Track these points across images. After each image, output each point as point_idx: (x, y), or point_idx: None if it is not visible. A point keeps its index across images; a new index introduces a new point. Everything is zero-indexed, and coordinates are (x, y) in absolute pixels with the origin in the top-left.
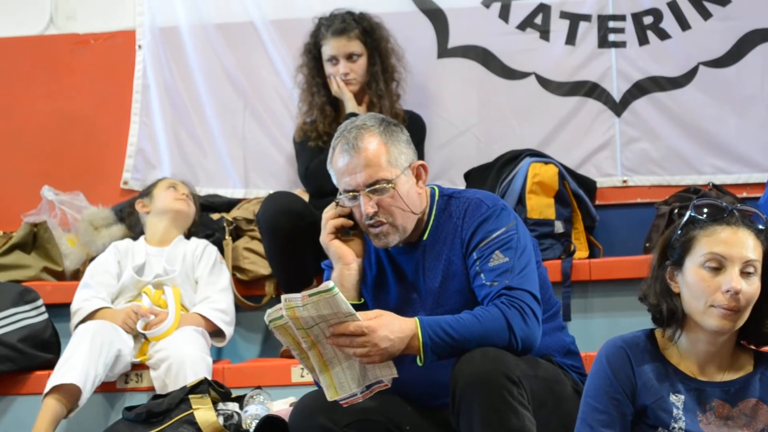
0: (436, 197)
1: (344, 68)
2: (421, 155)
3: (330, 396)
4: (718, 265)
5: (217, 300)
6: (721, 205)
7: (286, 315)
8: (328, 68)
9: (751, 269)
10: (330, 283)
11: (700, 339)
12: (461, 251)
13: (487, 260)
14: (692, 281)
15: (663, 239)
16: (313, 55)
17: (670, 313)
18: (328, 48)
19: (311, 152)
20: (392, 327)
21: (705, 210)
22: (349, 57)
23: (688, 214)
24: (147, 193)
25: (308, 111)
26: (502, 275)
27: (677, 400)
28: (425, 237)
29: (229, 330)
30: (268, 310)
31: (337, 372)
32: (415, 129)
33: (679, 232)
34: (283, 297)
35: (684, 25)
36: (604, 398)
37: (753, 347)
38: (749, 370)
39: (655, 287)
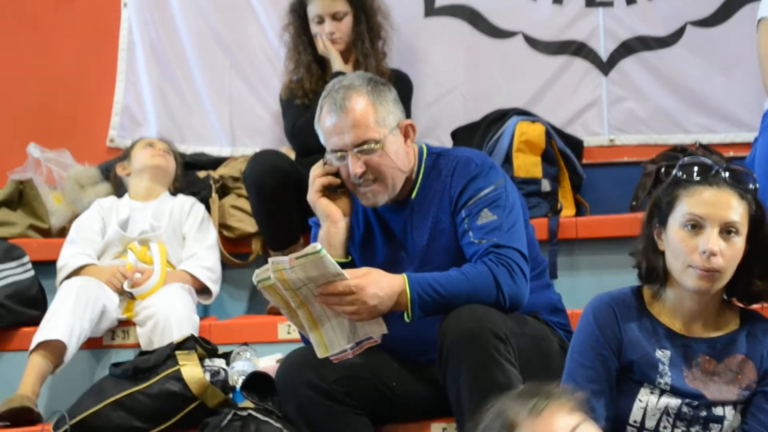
0: (425, 155)
1: (330, 27)
2: (407, 114)
3: (320, 354)
4: (697, 226)
5: (204, 257)
6: (707, 163)
7: (273, 277)
8: (314, 27)
9: (732, 230)
10: (317, 245)
11: (685, 296)
12: (449, 209)
13: (475, 218)
14: (673, 241)
15: (653, 198)
16: (298, 14)
17: (650, 271)
18: (314, 7)
19: (297, 110)
20: (381, 284)
21: (690, 169)
22: (335, 16)
23: (673, 173)
24: (126, 155)
25: (294, 69)
26: (491, 233)
27: (663, 355)
28: (413, 195)
29: (215, 288)
30: (257, 271)
31: (326, 329)
32: (402, 88)
33: (666, 190)
34: (270, 260)
35: None
36: (590, 354)
37: (741, 305)
38: (735, 326)
39: (642, 244)
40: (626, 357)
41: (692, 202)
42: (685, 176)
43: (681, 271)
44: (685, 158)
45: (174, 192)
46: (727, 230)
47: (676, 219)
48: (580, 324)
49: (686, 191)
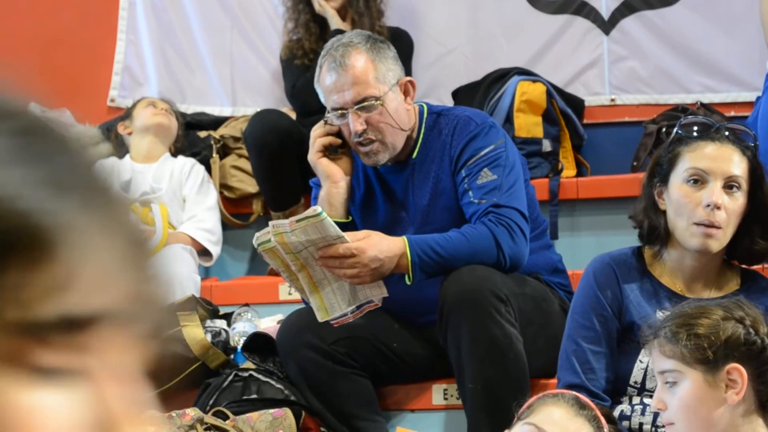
0: (425, 115)
1: None
2: (408, 73)
3: (321, 317)
4: (700, 180)
5: (204, 219)
6: (708, 121)
7: (274, 240)
8: None
9: (734, 185)
10: (317, 208)
11: (686, 256)
12: (450, 169)
13: (475, 178)
14: (675, 197)
15: (653, 157)
16: None
17: (652, 230)
18: None
19: (297, 70)
20: (381, 247)
21: (691, 127)
22: None
23: (674, 131)
24: (128, 115)
25: (294, 29)
26: (490, 193)
27: (664, 316)
28: (414, 155)
29: (215, 250)
30: (257, 234)
31: (327, 293)
32: (402, 46)
33: (667, 148)
34: (270, 223)
35: None
36: (591, 315)
37: (742, 266)
38: (736, 287)
39: (642, 204)
40: (627, 318)
41: (694, 156)
42: (690, 133)
43: (684, 230)
44: (688, 116)
45: (174, 153)
46: (729, 185)
47: (678, 175)
48: (581, 285)
49: (688, 147)
